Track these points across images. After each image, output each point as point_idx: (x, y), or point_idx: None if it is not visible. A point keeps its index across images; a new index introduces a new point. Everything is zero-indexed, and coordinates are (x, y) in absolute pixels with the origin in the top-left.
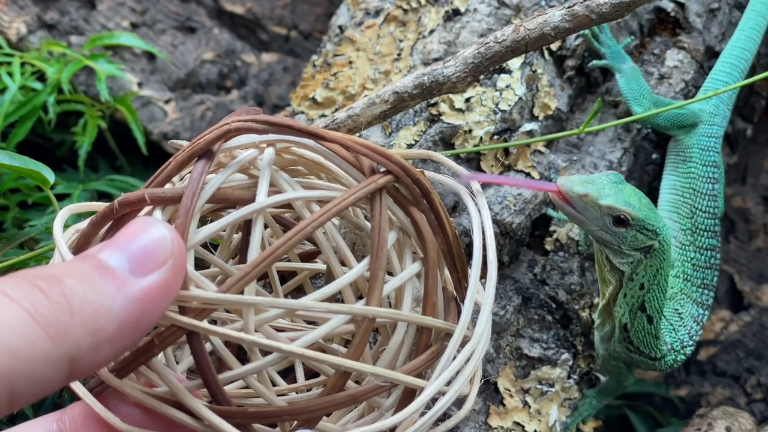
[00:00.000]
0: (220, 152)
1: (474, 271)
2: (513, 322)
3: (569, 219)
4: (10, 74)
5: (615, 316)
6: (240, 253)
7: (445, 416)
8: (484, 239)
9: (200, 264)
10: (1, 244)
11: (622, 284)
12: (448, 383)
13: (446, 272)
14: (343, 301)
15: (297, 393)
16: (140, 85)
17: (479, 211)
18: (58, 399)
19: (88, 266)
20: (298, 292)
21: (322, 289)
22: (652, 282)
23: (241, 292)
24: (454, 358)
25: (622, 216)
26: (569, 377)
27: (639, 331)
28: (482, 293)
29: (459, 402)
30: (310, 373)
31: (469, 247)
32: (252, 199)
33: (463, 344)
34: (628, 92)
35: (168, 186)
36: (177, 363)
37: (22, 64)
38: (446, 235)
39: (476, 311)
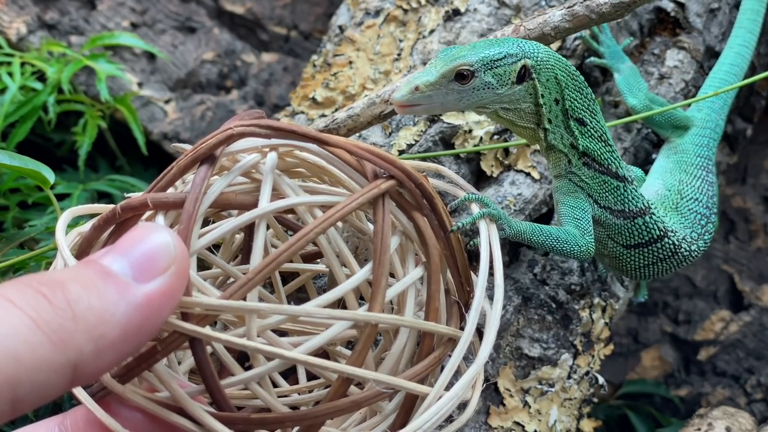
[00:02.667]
0: (222, 156)
1: (480, 281)
2: (513, 322)
3: (431, 114)
4: (10, 74)
5: (558, 145)
6: (242, 254)
7: (447, 420)
8: (491, 257)
9: (202, 265)
10: (1, 244)
11: (540, 119)
12: (449, 388)
13: (449, 275)
14: (345, 306)
15: (299, 394)
16: (140, 85)
17: (488, 232)
18: (58, 398)
19: (92, 272)
20: (301, 291)
21: (325, 295)
22: (561, 89)
23: (244, 298)
24: (459, 369)
25: (459, 72)
26: (569, 377)
27: (589, 141)
28: (487, 300)
29: (460, 405)
30: (312, 374)
31: (469, 246)
32: (255, 204)
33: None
34: (624, 86)
35: (170, 190)
36: (179, 363)
37: (22, 64)
38: (449, 239)
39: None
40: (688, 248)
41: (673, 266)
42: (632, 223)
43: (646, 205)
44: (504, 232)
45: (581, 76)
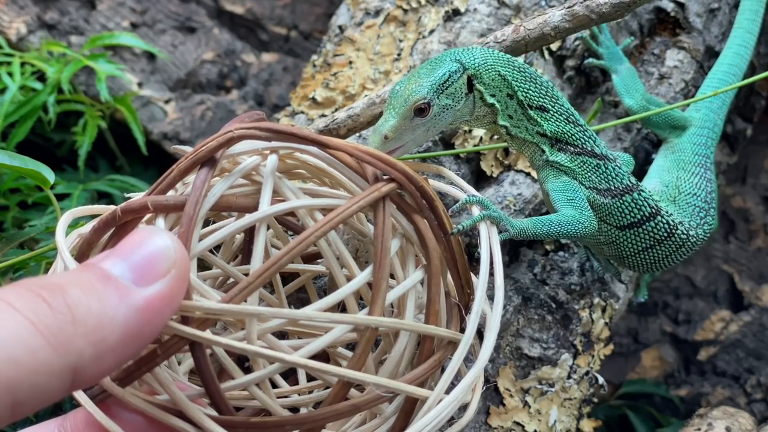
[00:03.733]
0: (223, 158)
1: (481, 284)
2: (513, 322)
3: (409, 152)
4: (10, 74)
5: (526, 137)
6: (242, 254)
7: (447, 422)
8: (491, 259)
9: (202, 265)
10: (1, 244)
11: (495, 117)
12: (450, 391)
13: (449, 278)
14: (345, 309)
15: (299, 395)
16: (140, 85)
17: (489, 235)
18: (58, 401)
19: (92, 276)
20: (301, 291)
21: (325, 299)
22: (509, 84)
23: (245, 302)
24: (458, 370)
25: (416, 107)
26: (569, 377)
27: (556, 125)
28: (487, 302)
29: (461, 407)
30: (313, 375)
31: (469, 247)
32: (255, 207)
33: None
34: (621, 87)
35: (171, 193)
36: (179, 364)
37: (22, 64)
38: (449, 242)
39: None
40: (685, 232)
41: (671, 252)
42: (621, 201)
43: (633, 182)
44: (508, 232)
45: (530, 68)
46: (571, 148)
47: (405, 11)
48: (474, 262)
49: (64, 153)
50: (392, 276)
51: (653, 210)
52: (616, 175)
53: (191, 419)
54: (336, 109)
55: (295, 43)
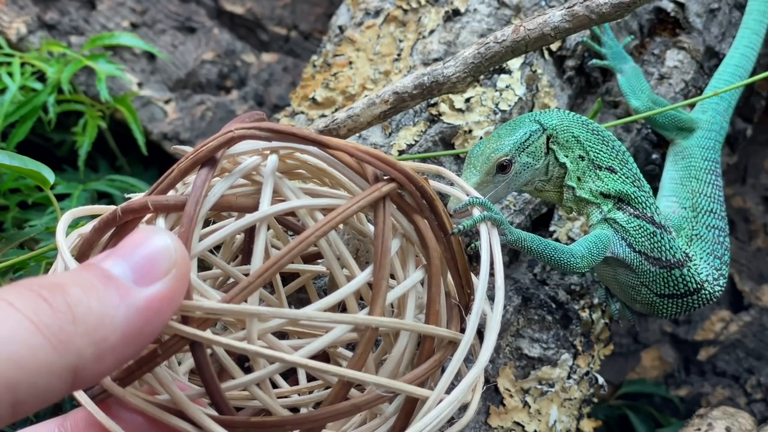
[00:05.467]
0: (223, 158)
1: (481, 284)
2: (513, 322)
3: (497, 205)
4: (10, 74)
5: (588, 197)
6: (242, 254)
7: (448, 422)
8: (491, 259)
9: (203, 265)
10: (1, 244)
11: (564, 181)
12: (450, 391)
13: (449, 278)
14: (346, 309)
15: (299, 395)
16: (140, 85)
17: (489, 235)
18: (58, 401)
19: (92, 275)
20: (301, 291)
21: (325, 299)
22: (581, 145)
23: (245, 302)
24: (459, 370)
25: (499, 164)
26: (569, 377)
27: (622, 185)
28: (488, 302)
29: (461, 407)
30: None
31: (469, 247)
32: (255, 207)
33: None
34: (627, 87)
35: (171, 193)
36: (179, 364)
37: (22, 64)
38: (450, 242)
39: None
40: (720, 287)
41: (696, 307)
42: (668, 273)
43: (685, 256)
44: (505, 237)
45: (605, 131)
46: (631, 210)
47: (405, 11)
48: (474, 262)
49: (64, 153)
50: (392, 276)
51: (698, 286)
52: (670, 248)
53: (191, 419)
54: (336, 110)
55: (295, 43)
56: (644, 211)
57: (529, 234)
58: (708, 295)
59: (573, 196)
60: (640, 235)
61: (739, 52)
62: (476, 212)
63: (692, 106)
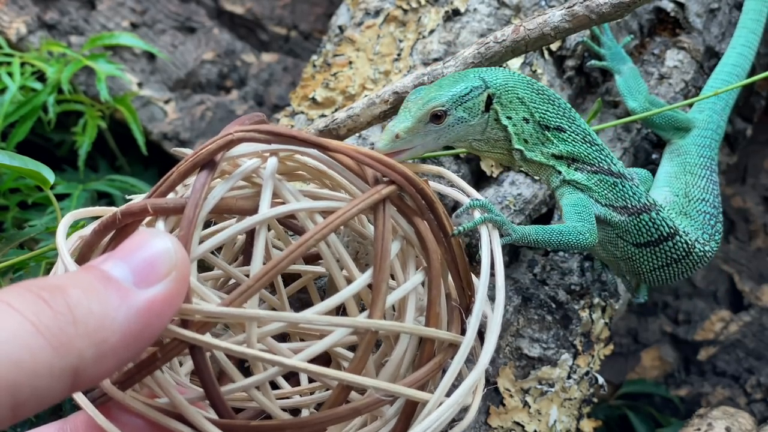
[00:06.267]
0: (223, 161)
1: (481, 287)
2: (513, 322)
3: (415, 158)
4: (10, 74)
5: (540, 160)
6: (244, 255)
7: (449, 423)
8: (492, 261)
9: (204, 266)
10: (1, 244)
11: (510, 143)
12: (450, 393)
13: (450, 280)
14: (346, 312)
15: (300, 396)
16: (140, 85)
17: (490, 237)
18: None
19: (92, 277)
20: (302, 292)
21: (325, 302)
22: (527, 107)
23: (245, 305)
24: (459, 372)
25: (433, 113)
26: (569, 377)
27: (572, 146)
28: (488, 304)
29: (462, 409)
30: None
31: (469, 247)
32: (255, 210)
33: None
34: (624, 88)
35: (171, 195)
36: (180, 366)
37: (22, 64)
38: (450, 244)
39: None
40: (702, 249)
41: (688, 268)
42: (638, 219)
43: (651, 201)
44: (510, 237)
45: (549, 90)
46: (588, 167)
47: (405, 11)
48: (474, 263)
49: (64, 153)
50: (393, 278)
51: (671, 230)
52: (633, 194)
53: (191, 422)
54: (336, 109)
55: (295, 43)
56: (600, 164)
57: (531, 227)
58: (700, 253)
59: (522, 158)
60: (603, 189)
61: (737, 51)
62: (477, 215)
63: (690, 106)
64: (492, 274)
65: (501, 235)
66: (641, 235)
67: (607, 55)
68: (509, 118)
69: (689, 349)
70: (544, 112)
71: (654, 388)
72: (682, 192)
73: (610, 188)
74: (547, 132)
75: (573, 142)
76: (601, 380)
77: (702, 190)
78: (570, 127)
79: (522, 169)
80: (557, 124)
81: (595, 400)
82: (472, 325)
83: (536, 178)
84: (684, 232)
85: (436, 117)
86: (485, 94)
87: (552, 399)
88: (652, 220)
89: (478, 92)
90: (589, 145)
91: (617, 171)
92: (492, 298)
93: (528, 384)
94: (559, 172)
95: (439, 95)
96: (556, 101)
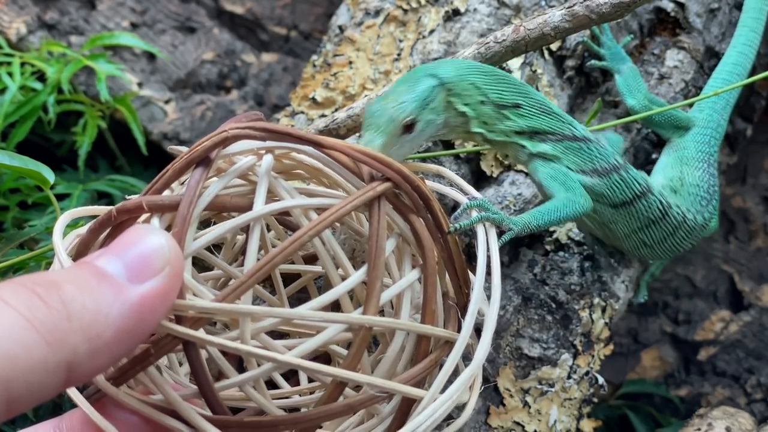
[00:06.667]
0: (219, 158)
1: (477, 284)
2: (513, 322)
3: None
4: (10, 74)
5: (503, 139)
6: (243, 255)
7: (446, 420)
8: (488, 258)
9: (204, 266)
10: (1, 244)
11: (468, 126)
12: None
13: (447, 278)
14: (341, 309)
15: (300, 395)
16: (140, 85)
17: (486, 235)
18: (58, 399)
19: (86, 273)
20: (303, 292)
21: (319, 298)
22: (479, 91)
23: (238, 301)
24: (455, 369)
25: (404, 125)
26: (569, 377)
27: (531, 119)
28: (484, 301)
29: (461, 406)
30: None
31: (469, 246)
32: (250, 207)
33: (463, 353)
34: (624, 87)
35: (166, 193)
36: (180, 365)
37: (22, 64)
38: (446, 241)
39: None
40: (681, 213)
41: (668, 233)
42: (609, 179)
43: (620, 162)
44: (512, 231)
45: (499, 70)
46: (551, 137)
47: (405, 11)
48: (472, 260)
49: (64, 153)
50: (389, 275)
51: (643, 188)
52: (601, 155)
53: (185, 419)
54: (336, 109)
55: (295, 43)
56: (563, 132)
57: (529, 214)
58: (691, 223)
59: (484, 140)
60: (570, 155)
61: (737, 50)
62: (474, 214)
63: (690, 105)
64: (488, 272)
65: (503, 231)
66: (614, 195)
67: (607, 55)
68: (466, 104)
69: (689, 349)
70: (498, 92)
71: (654, 388)
72: (676, 178)
73: (577, 153)
74: (504, 111)
75: (532, 116)
76: (601, 380)
77: (697, 179)
78: (526, 101)
79: (493, 149)
80: (513, 101)
81: (595, 400)
82: (468, 321)
83: (507, 157)
84: (660, 193)
85: (408, 127)
86: (444, 90)
87: (552, 399)
88: (623, 179)
89: (436, 91)
90: (547, 115)
91: (581, 135)
92: (490, 295)
93: (528, 384)
94: (524, 147)
95: (403, 106)
96: (508, 78)
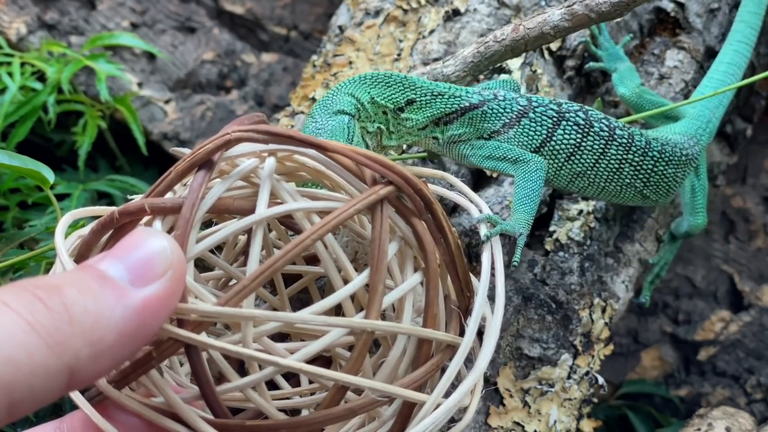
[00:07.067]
0: (221, 160)
1: (481, 290)
2: (513, 322)
3: None
4: (10, 74)
5: (413, 138)
6: (245, 255)
7: (449, 422)
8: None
9: (205, 266)
10: (1, 244)
11: (383, 142)
12: (448, 394)
13: (449, 281)
14: (343, 312)
15: (301, 397)
16: (140, 85)
17: (491, 240)
18: (59, 400)
19: (88, 276)
20: (304, 292)
21: (321, 302)
22: (379, 106)
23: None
24: (457, 374)
25: None
26: (569, 377)
27: (428, 108)
28: (487, 305)
29: (462, 409)
30: None
31: (470, 248)
32: (252, 210)
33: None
34: (617, 80)
35: (169, 195)
36: (181, 365)
37: (22, 64)
38: (449, 245)
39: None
40: (626, 136)
41: (625, 161)
42: (520, 126)
43: (523, 104)
44: (522, 235)
45: (380, 73)
46: (453, 116)
47: (405, 11)
48: (474, 262)
49: (64, 153)
50: (391, 278)
51: (556, 116)
52: (504, 108)
53: (186, 422)
54: None
55: (295, 43)
56: (460, 105)
57: (516, 211)
58: (585, 124)
59: (401, 148)
60: (478, 124)
61: (733, 48)
62: (483, 229)
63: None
64: (492, 275)
65: (518, 236)
66: (534, 137)
67: (604, 55)
68: (373, 122)
69: (689, 349)
70: (390, 97)
71: (654, 388)
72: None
73: (482, 119)
74: (402, 112)
75: (427, 105)
76: (601, 380)
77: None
78: (417, 93)
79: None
80: (405, 99)
81: (595, 400)
82: (471, 326)
83: (428, 153)
84: (575, 113)
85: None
86: (355, 121)
87: (552, 399)
88: (532, 120)
89: (353, 124)
90: (440, 97)
91: (477, 100)
92: (492, 299)
93: (528, 384)
94: (436, 138)
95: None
96: (394, 78)
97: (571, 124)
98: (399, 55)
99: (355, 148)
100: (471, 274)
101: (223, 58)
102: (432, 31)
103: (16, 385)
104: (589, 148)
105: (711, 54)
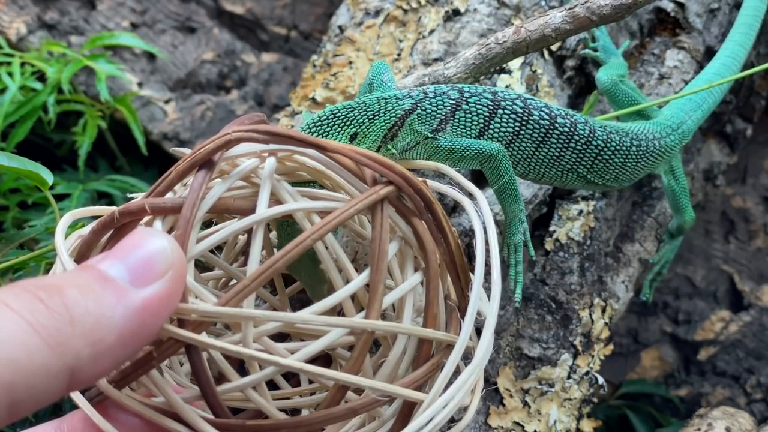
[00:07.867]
0: (222, 160)
1: (475, 286)
2: (513, 322)
3: None
4: (10, 74)
5: (393, 152)
6: (245, 255)
7: (449, 421)
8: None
9: (205, 266)
10: (1, 244)
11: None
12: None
13: (449, 281)
14: (343, 311)
15: (301, 397)
16: (140, 85)
17: (485, 227)
18: (58, 401)
19: (89, 277)
20: (303, 292)
21: (321, 302)
22: (377, 135)
23: (241, 305)
24: (455, 371)
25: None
26: (569, 377)
27: (370, 126)
28: (485, 301)
29: (462, 409)
30: None
31: (470, 247)
32: (253, 210)
33: (465, 356)
34: (603, 67)
35: (169, 195)
36: (181, 365)
37: (22, 64)
38: (449, 244)
39: (477, 318)
40: (570, 124)
41: (568, 147)
42: (455, 119)
43: (454, 98)
44: (523, 222)
45: (328, 116)
46: (395, 128)
47: (405, 11)
48: (472, 261)
49: (64, 153)
50: (392, 278)
51: (492, 105)
52: (437, 105)
53: (186, 422)
54: None
55: (295, 43)
56: (397, 116)
57: (504, 209)
58: (525, 113)
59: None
60: (419, 127)
61: (720, 62)
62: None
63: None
64: (488, 270)
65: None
66: (471, 128)
67: (599, 47)
68: (368, 134)
69: (689, 349)
70: (337, 139)
71: (654, 388)
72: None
73: (420, 121)
74: (353, 141)
75: (369, 131)
76: (601, 380)
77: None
78: (354, 124)
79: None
80: (349, 134)
81: (595, 400)
82: (466, 324)
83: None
84: (513, 101)
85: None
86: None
87: (552, 399)
88: (466, 111)
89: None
90: (375, 118)
91: (410, 105)
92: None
93: (528, 384)
94: (393, 154)
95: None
96: (334, 119)
97: (508, 112)
98: (399, 55)
99: (355, 148)
100: (471, 274)
101: (223, 58)
102: (432, 31)
103: (16, 386)
104: (528, 135)
105: (711, 54)
